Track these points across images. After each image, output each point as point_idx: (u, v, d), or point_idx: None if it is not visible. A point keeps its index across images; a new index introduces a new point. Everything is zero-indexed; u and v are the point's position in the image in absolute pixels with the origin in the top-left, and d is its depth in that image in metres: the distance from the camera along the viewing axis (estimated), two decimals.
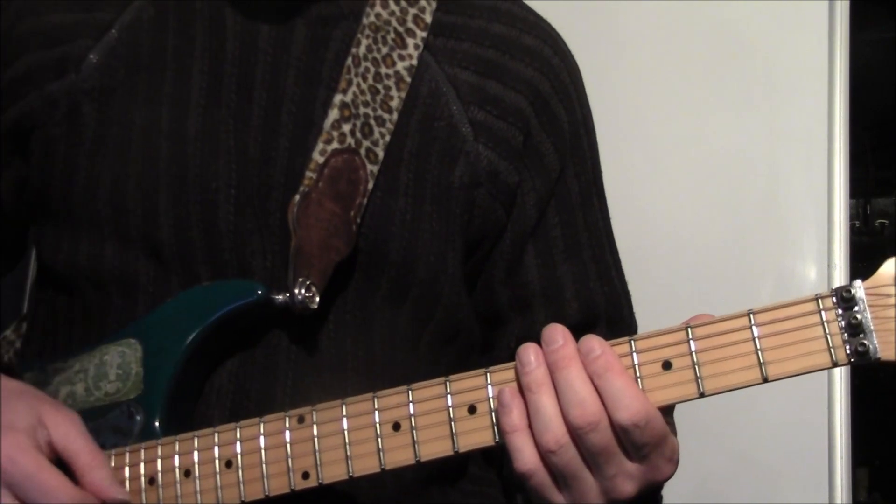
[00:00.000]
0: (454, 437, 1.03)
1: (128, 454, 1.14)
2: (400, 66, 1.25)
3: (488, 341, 1.36)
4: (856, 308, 0.95)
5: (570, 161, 1.33)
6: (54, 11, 1.29)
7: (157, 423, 1.16)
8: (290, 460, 1.07)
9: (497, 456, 1.35)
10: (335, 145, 1.20)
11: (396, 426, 1.05)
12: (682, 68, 2.42)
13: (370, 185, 1.21)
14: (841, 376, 2.23)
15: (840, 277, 2.27)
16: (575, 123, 1.34)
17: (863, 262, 2.55)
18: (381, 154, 1.22)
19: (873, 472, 3.49)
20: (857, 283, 0.95)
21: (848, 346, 0.95)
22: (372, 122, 1.22)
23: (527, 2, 1.37)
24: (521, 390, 1.01)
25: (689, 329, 0.99)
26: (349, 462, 1.06)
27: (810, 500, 2.23)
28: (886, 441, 3.27)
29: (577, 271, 1.32)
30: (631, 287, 1.39)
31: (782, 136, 2.35)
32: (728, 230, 2.36)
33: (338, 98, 1.22)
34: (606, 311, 1.34)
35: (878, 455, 3.38)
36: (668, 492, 1.13)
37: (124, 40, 1.27)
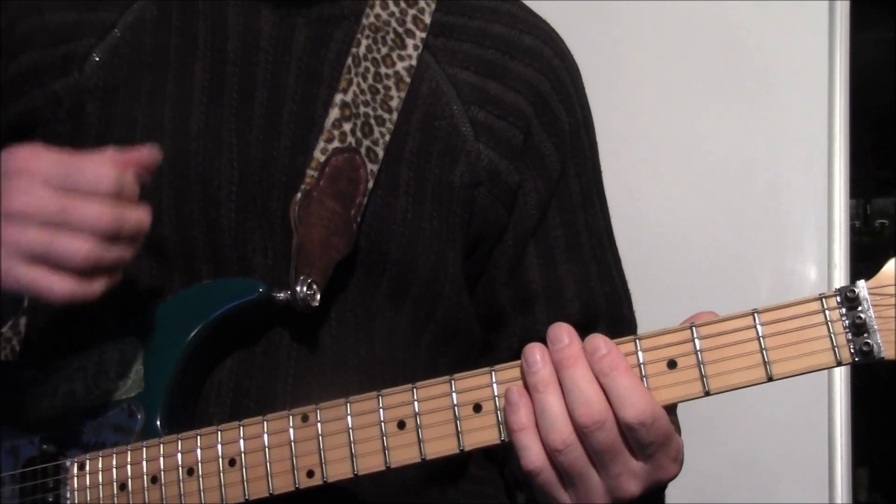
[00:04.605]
0: (459, 436, 1.03)
1: (129, 453, 1.14)
2: (399, 66, 1.26)
3: (489, 342, 1.36)
4: (859, 308, 0.95)
5: (570, 161, 1.33)
6: (58, 10, 1.29)
7: (157, 422, 1.16)
8: (294, 459, 1.08)
9: (498, 455, 1.35)
10: (336, 144, 1.20)
11: (401, 424, 1.05)
12: (682, 68, 2.43)
13: (370, 184, 1.21)
14: (841, 376, 2.24)
15: (840, 277, 2.27)
16: (575, 124, 1.34)
17: (863, 262, 2.55)
18: (380, 153, 1.22)
19: (873, 472, 3.50)
20: (861, 282, 0.96)
21: (852, 346, 0.95)
22: (372, 121, 1.22)
23: (526, 2, 1.38)
24: (528, 389, 1.01)
25: (693, 328, 0.99)
26: (354, 460, 1.06)
27: (810, 500, 2.23)
28: (886, 441, 3.28)
29: (579, 271, 1.32)
30: (631, 286, 1.39)
31: (782, 136, 2.36)
32: (728, 230, 2.37)
33: (338, 97, 1.22)
34: (607, 310, 1.34)
35: (878, 455, 3.39)
36: (669, 491, 1.13)
37: (127, 40, 1.27)
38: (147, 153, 1.11)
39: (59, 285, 1.04)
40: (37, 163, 1.05)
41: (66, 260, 1.03)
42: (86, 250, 1.03)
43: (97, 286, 1.06)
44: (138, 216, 1.08)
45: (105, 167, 1.06)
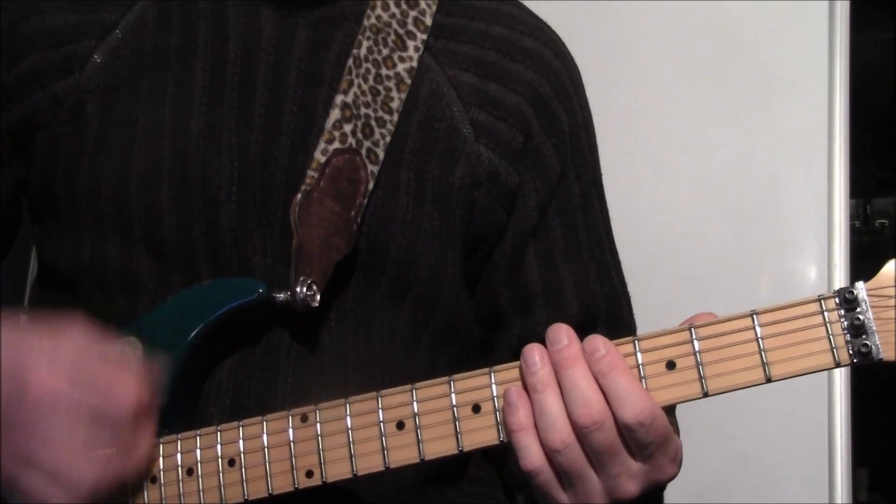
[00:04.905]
0: (458, 436, 1.03)
1: None
2: (400, 67, 1.26)
3: (488, 342, 1.36)
4: (858, 309, 0.95)
5: (570, 162, 1.33)
6: (59, 12, 1.29)
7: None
8: (293, 459, 1.08)
9: (497, 456, 1.35)
10: (336, 145, 1.20)
11: (400, 425, 1.05)
12: (683, 69, 2.43)
13: (370, 185, 1.21)
14: (841, 376, 2.24)
15: (840, 277, 2.27)
16: (575, 125, 1.34)
17: (863, 263, 2.55)
18: (381, 154, 1.22)
19: (873, 472, 3.49)
20: (860, 284, 0.96)
21: (850, 347, 0.95)
22: (373, 122, 1.22)
23: (527, 3, 1.38)
24: (527, 390, 1.01)
25: (692, 329, 0.99)
26: (353, 460, 1.06)
27: (810, 500, 2.23)
28: (886, 441, 3.27)
29: (578, 272, 1.33)
30: (631, 287, 1.40)
31: (782, 136, 2.36)
32: (728, 230, 2.37)
33: (339, 98, 1.22)
34: (606, 311, 1.35)
35: (878, 455, 3.38)
36: (668, 491, 1.13)
37: (128, 40, 1.27)
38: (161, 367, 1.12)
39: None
40: (58, 393, 1.04)
41: (94, 485, 1.05)
42: (110, 476, 1.05)
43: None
44: (146, 447, 1.09)
45: (129, 393, 1.06)
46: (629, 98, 2.42)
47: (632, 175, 2.37)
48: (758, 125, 2.38)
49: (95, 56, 1.26)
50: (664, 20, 2.44)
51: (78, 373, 1.04)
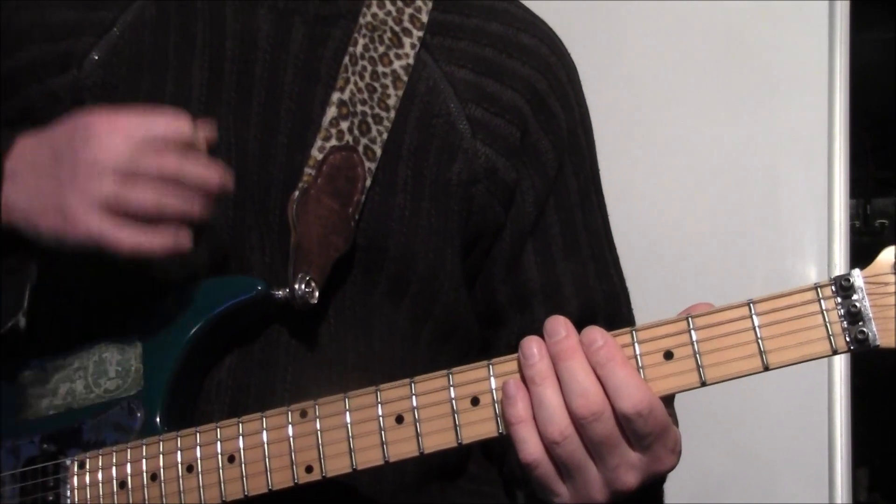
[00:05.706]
0: (457, 429, 1.03)
1: (129, 450, 1.15)
2: (397, 64, 1.26)
3: (487, 340, 1.36)
4: (855, 296, 0.95)
5: (568, 159, 1.33)
6: (58, 10, 1.29)
7: (157, 420, 1.17)
8: (293, 454, 1.08)
9: (497, 454, 1.35)
10: (333, 142, 1.20)
11: (399, 419, 1.05)
12: (682, 68, 2.42)
13: (368, 182, 1.21)
14: (841, 376, 2.23)
15: None
16: (572, 122, 1.34)
17: (863, 262, 2.55)
18: (378, 151, 1.22)
19: (873, 472, 3.49)
20: (856, 271, 0.97)
21: (847, 334, 0.95)
22: (369, 119, 1.23)
23: (525, 2, 1.38)
24: (525, 382, 1.01)
25: (689, 319, 0.99)
26: (353, 455, 1.06)
27: (810, 500, 2.23)
28: (886, 441, 3.27)
29: (577, 269, 1.33)
30: (630, 286, 1.40)
31: (782, 136, 2.36)
32: (728, 230, 2.37)
33: (336, 96, 1.22)
34: (605, 308, 1.35)
35: (878, 455, 3.38)
36: (668, 491, 1.14)
37: (126, 39, 1.27)
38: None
39: (126, 236, 1.07)
40: (115, 122, 1.10)
41: (132, 207, 1.06)
42: (151, 198, 1.06)
43: (161, 240, 1.08)
44: (201, 170, 1.10)
45: (177, 120, 1.10)
46: (629, 97, 2.42)
47: (631, 174, 2.37)
48: (758, 125, 2.37)
49: (93, 54, 1.26)
50: (664, 20, 2.44)
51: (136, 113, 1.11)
